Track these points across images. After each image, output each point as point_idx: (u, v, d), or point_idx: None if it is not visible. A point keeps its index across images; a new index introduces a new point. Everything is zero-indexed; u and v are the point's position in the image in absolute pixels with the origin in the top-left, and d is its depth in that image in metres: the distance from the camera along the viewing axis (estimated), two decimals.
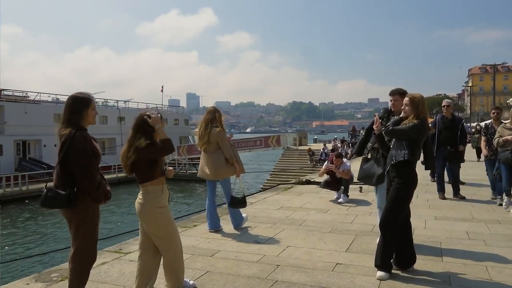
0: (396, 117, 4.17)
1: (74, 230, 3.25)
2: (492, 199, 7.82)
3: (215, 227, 5.74)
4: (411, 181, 3.98)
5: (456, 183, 8.35)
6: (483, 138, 7.90)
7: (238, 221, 5.87)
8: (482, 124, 12.21)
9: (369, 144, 4.95)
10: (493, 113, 7.90)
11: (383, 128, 4.17)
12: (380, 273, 3.89)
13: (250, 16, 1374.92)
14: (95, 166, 3.22)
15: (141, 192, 3.42)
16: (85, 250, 3.25)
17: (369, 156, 4.98)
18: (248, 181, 30.91)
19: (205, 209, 5.94)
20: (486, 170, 8.07)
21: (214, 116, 5.66)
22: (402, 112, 4.12)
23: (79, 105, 3.28)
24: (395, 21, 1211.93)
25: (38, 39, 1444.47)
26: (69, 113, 3.26)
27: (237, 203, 5.78)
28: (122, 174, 32.17)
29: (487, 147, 7.77)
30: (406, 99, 4.11)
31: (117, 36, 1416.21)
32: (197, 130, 5.81)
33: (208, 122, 5.62)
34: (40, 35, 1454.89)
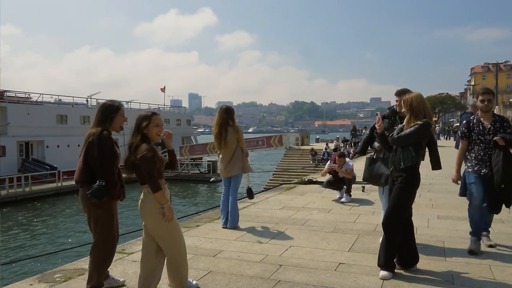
0: (400, 126, 4.15)
1: (93, 224, 3.54)
2: (471, 252, 4.55)
3: (223, 223, 5.92)
4: (414, 181, 3.97)
5: None
6: (462, 143, 4.84)
7: (235, 221, 5.94)
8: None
9: (376, 144, 4.91)
10: (482, 102, 4.69)
11: (389, 136, 4.11)
12: (383, 273, 3.88)
13: (249, 16, 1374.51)
14: (115, 165, 3.54)
15: (142, 193, 3.43)
16: (104, 242, 3.53)
17: (374, 156, 4.95)
18: (250, 181, 30.92)
19: (207, 209, 6.00)
20: (471, 194, 4.70)
21: (227, 117, 5.85)
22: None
23: (109, 111, 3.60)
24: (392, 20, 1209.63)
25: (36, 40, 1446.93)
26: (102, 116, 3.58)
27: (249, 194, 6.52)
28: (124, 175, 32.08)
29: (469, 158, 4.80)
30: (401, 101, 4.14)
31: (116, 37, 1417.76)
32: (213, 130, 5.99)
33: (222, 125, 5.82)
34: (39, 35, 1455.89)
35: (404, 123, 4.09)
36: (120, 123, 3.66)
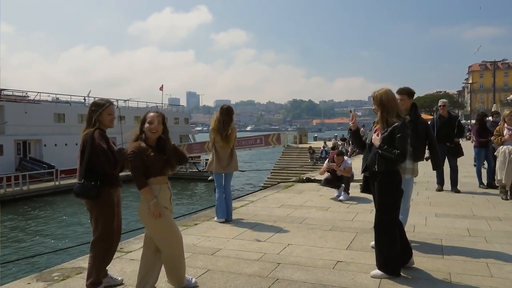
0: (371, 130, 3.99)
1: (94, 220, 3.60)
2: None
3: (225, 217, 6.15)
4: (397, 179, 3.86)
5: (454, 177, 8.63)
6: None
7: (230, 213, 6.25)
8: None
9: None
10: None
11: (377, 149, 3.85)
12: (373, 272, 3.86)
13: (245, 14, 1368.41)
14: (110, 161, 3.56)
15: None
16: (103, 239, 3.57)
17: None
18: (249, 180, 30.96)
19: (205, 208, 6.05)
20: None
21: (229, 116, 6.19)
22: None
23: (96, 110, 3.68)
24: (388, 18, 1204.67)
25: (31, 38, 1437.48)
26: (89, 116, 3.68)
27: None
28: (123, 173, 31.97)
29: None
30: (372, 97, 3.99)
31: (111, 35, 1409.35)
32: (213, 127, 6.20)
33: (225, 122, 6.12)
34: (33, 34, 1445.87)
35: (376, 126, 3.95)
36: (108, 121, 3.72)
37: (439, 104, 9.06)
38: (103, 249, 3.59)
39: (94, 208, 3.59)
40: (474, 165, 11.32)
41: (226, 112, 6.18)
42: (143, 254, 3.52)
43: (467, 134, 29.68)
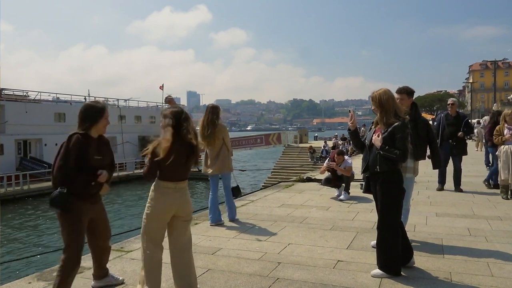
0: (371, 130, 4.00)
1: (61, 231, 3.37)
2: None
3: (218, 221, 6.00)
4: (399, 179, 3.87)
5: (457, 176, 8.60)
6: None
7: (233, 214, 6.24)
8: None
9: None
10: None
11: (379, 150, 3.83)
12: (374, 271, 3.86)
13: (244, 13, 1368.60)
14: (70, 163, 3.27)
15: (184, 187, 3.60)
16: (66, 250, 3.32)
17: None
18: (249, 179, 30.95)
19: (206, 207, 6.02)
20: None
21: (213, 115, 5.98)
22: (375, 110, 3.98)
23: (92, 114, 3.45)
24: (387, 17, 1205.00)
25: (30, 37, 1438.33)
26: (81, 119, 3.43)
27: (237, 192, 6.55)
28: (124, 173, 32.16)
29: None
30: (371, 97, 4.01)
31: (110, 35, 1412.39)
32: (199, 128, 6.04)
33: (212, 120, 5.95)
34: (32, 32, 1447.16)
35: (375, 126, 3.96)
36: (103, 125, 3.50)
37: (448, 102, 9.02)
38: (65, 262, 3.28)
39: (60, 217, 3.33)
40: (487, 166, 11.34)
41: (210, 111, 5.99)
42: (151, 256, 3.39)
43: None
